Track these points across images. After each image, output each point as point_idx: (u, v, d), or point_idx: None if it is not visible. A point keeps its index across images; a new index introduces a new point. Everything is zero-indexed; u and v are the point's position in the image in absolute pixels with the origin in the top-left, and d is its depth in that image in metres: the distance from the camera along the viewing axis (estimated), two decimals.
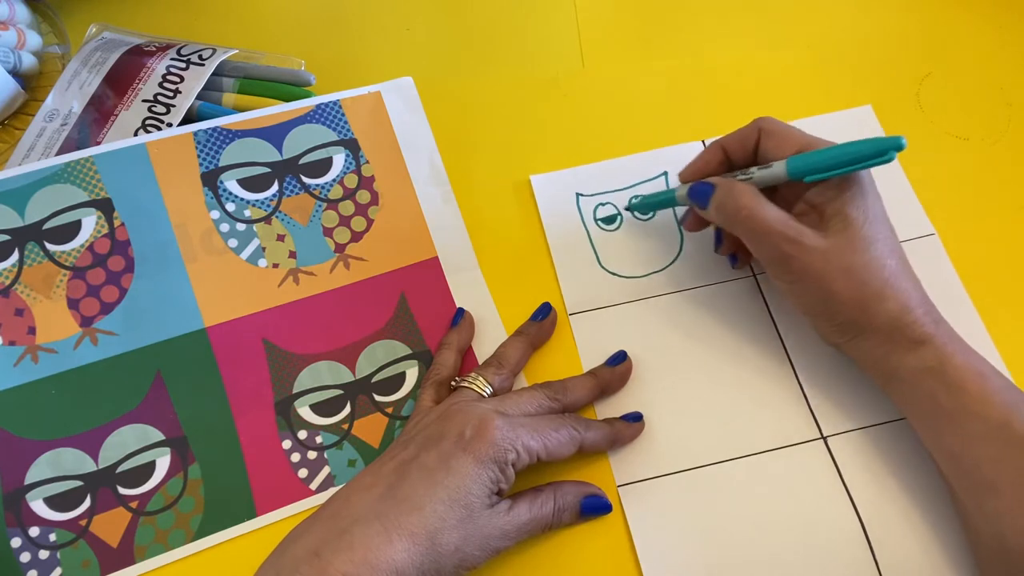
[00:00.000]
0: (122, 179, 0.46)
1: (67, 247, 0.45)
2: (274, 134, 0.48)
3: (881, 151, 0.35)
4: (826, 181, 0.37)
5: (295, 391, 0.43)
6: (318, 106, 0.49)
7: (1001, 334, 0.43)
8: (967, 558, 0.37)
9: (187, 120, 0.49)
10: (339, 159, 0.49)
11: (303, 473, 0.42)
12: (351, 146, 0.49)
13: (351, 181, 0.48)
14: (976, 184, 0.49)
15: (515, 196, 0.49)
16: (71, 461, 0.41)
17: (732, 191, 0.39)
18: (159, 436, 0.42)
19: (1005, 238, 0.47)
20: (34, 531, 0.40)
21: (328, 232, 0.47)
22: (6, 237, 0.44)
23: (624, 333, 0.45)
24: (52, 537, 0.40)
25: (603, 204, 0.49)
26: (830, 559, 0.38)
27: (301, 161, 0.48)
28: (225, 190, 0.47)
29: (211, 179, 0.47)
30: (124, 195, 0.46)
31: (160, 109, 0.48)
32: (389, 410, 0.43)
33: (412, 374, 0.44)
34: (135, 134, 0.47)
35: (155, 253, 0.45)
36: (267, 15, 0.57)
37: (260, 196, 0.47)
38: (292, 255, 0.46)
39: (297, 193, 0.47)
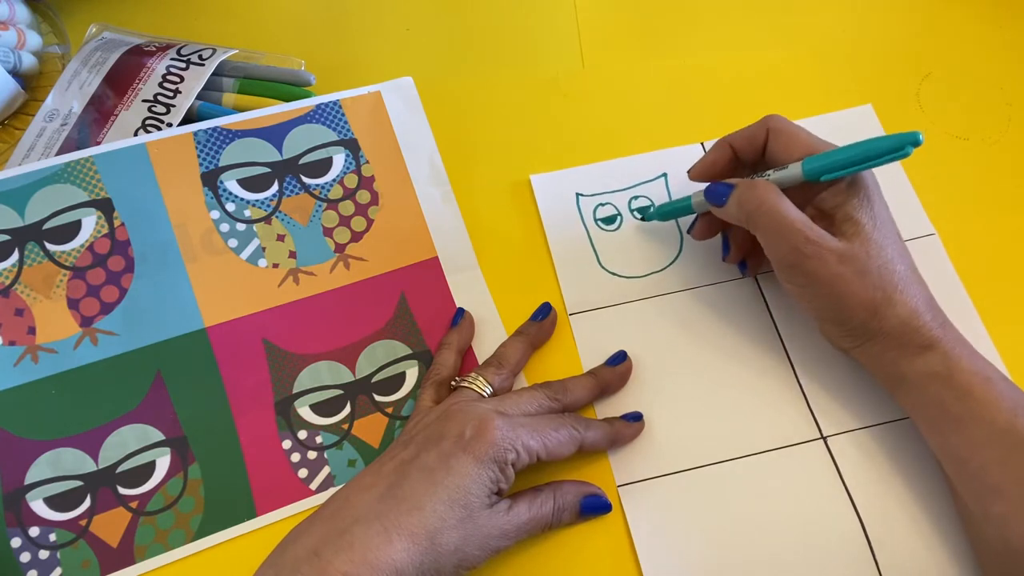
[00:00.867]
0: (122, 179, 0.46)
1: (67, 247, 0.45)
2: (274, 134, 0.48)
3: (899, 146, 0.35)
4: (835, 186, 0.37)
5: (295, 391, 0.43)
6: (318, 106, 0.49)
7: (1001, 334, 0.43)
8: (968, 558, 0.37)
9: (187, 120, 0.49)
10: (339, 159, 0.49)
11: (303, 473, 0.42)
12: (351, 146, 0.49)
13: (351, 181, 0.48)
14: (976, 184, 0.49)
15: (515, 196, 0.49)
16: (71, 461, 0.41)
17: (754, 186, 0.39)
18: (159, 436, 0.42)
19: (1005, 238, 0.47)
20: (34, 531, 0.40)
21: (328, 232, 0.47)
22: (6, 237, 0.44)
23: (624, 333, 0.45)
24: (52, 537, 0.40)
25: (603, 204, 0.49)
26: (830, 559, 0.38)
27: (301, 161, 0.48)
28: (225, 190, 0.47)
29: (211, 179, 0.47)
30: (124, 195, 0.46)
31: (160, 109, 0.48)
32: (389, 410, 0.43)
33: (412, 374, 0.44)
34: (135, 134, 0.47)
35: (155, 253, 0.45)
36: (267, 15, 0.57)
37: (260, 196, 0.47)
38: (292, 255, 0.46)
39: (297, 193, 0.47)
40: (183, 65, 0.50)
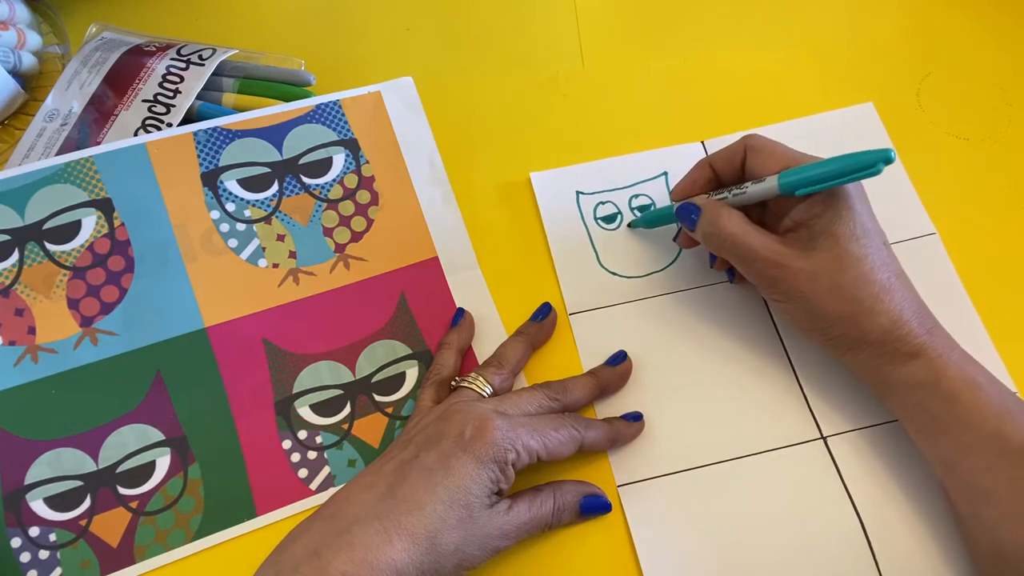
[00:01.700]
0: (122, 179, 0.46)
1: (67, 247, 0.45)
2: (274, 134, 0.48)
3: (869, 164, 0.35)
4: (813, 198, 0.37)
5: (295, 391, 0.43)
6: (318, 106, 0.49)
7: (1001, 334, 0.43)
8: (966, 558, 0.37)
9: (187, 120, 0.49)
10: (339, 159, 0.49)
11: (303, 473, 0.42)
12: (351, 146, 0.49)
13: (351, 181, 0.48)
14: (976, 184, 0.49)
15: (515, 196, 0.49)
16: (71, 461, 0.41)
17: (717, 219, 0.39)
18: (159, 436, 0.42)
19: (1005, 238, 0.47)
20: (34, 531, 0.40)
21: (328, 232, 0.47)
22: (6, 237, 0.44)
23: (624, 333, 0.45)
24: (52, 537, 0.40)
25: (603, 203, 0.49)
26: (830, 559, 0.38)
27: (301, 161, 0.48)
28: (225, 190, 0.47)
29: (211, 179, 0.47)
30: (124, 195, 0.46)
31: (160, 109, 0.48)
32: (389, 410, 0.43)
33: (412, 374, 0.44)
34: (135, 134, 0.47)
35: (155, 253, 0.45)
36: (267, 15, 0.57)
37: (260, 196, 0.47)
38: (292, 255, 0.46)
39: (297, 193, 0.47)
40: (183, 65, 0.50)
